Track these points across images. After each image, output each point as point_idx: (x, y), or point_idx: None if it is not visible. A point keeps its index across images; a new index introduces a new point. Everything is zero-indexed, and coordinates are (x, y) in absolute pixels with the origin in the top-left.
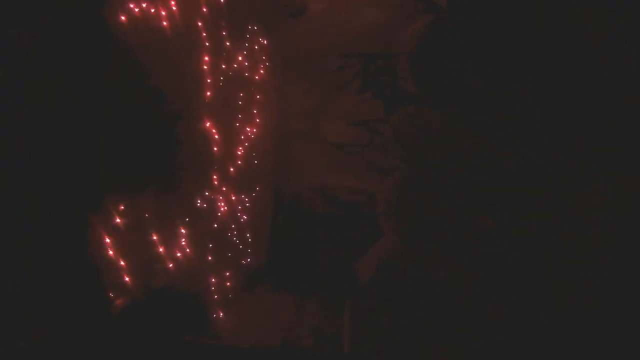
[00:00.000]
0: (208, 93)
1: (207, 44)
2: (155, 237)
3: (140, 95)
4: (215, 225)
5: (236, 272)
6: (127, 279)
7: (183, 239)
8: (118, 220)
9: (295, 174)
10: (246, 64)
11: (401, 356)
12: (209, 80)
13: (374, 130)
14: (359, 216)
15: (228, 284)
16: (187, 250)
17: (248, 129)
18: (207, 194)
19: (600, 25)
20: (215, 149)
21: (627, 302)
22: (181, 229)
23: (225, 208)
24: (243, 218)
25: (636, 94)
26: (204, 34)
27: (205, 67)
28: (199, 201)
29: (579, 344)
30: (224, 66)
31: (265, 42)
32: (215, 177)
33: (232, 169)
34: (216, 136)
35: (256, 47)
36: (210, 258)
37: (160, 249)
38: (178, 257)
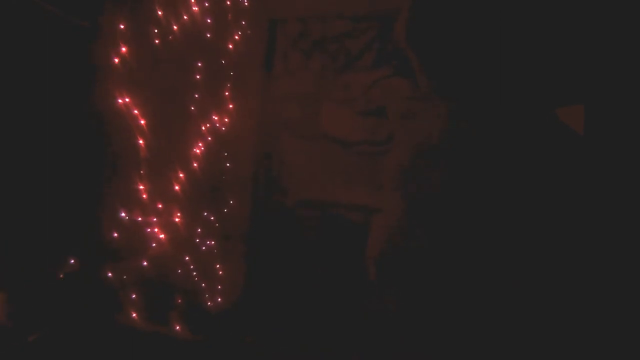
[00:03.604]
0: (123, 49)
1: None
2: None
3: None
4: (145, 264)
5: (193, 321)
6: None
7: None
8: None
9: (284, 184)
10: (209, 21)
11: (401, 356)
12: (121, 26)
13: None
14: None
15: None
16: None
17: (215, 118)
18: (123, 214)
19: (600, 25)
20: (141, 142)
21: (627, 302)
22: (60, 275)
23: (165, 235)
24: (207, 244)
25: (636, 94)
26: None
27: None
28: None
29: (579, 344)
30: (160, 12)
31: (244, 1)
32: (142, 187)
33: (182, 175)
34: (142, 121)
35: (229, 3)
36: (135, 315)
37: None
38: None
